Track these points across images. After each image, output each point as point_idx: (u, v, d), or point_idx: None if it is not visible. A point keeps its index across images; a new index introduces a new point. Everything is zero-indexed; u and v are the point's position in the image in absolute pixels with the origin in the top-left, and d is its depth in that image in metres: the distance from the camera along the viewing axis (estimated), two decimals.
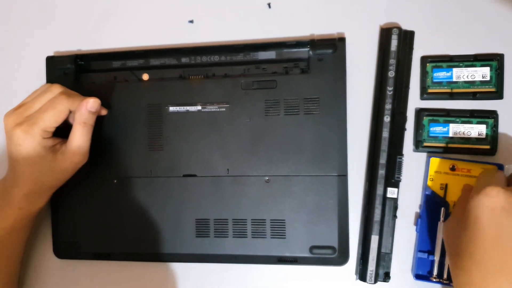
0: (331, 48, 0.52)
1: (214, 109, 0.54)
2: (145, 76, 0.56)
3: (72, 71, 0.57)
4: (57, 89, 0.52)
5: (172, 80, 0.55)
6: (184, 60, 0.56)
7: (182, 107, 0.54)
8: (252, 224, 0.52)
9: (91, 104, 0.51)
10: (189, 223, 0.54)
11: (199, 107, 0.54)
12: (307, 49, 0.53)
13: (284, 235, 0.52)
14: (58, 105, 0.50)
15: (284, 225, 0.52)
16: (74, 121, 0.51)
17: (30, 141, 0.49)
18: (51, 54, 0.60)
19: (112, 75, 0.56)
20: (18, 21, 0.62)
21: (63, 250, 0.57)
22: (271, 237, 0.52)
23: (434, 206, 0.51)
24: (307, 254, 0.51)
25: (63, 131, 0.52)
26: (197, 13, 0.58)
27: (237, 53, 0.55)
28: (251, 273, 0.55)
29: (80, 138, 0.51)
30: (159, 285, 0.56)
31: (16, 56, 0.61)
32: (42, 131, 0.50)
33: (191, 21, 0.58)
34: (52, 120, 0.50)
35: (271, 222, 0.52)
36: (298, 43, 0.53)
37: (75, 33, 0.60)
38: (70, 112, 0.51)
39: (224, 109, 0.53)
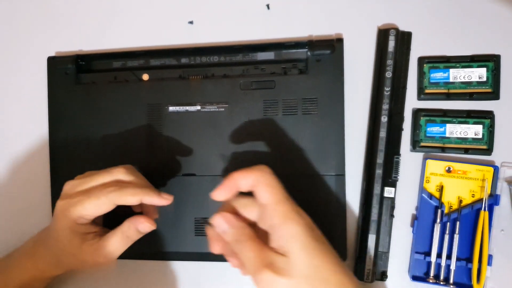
0: (329, 49, 0.53)
1: (213, 109, 0.54)
2: (145, 76, 0.56)
3: (73, 71, 0.57)
4: (119, 174, 0.48)
5: (172, 80, 0.56)
6: (184, 60, 0.56)
7: (181, 107, 0.54)
8: None
9: (143, 227, 0.48)
10: (188, 222, 0.54)
11: (198, 107, 0.54)
12: (305, 49, 0.53)
13: None
14: (103, 197, 0.46)
15: None
16: (121, 227, 0.48)
17: (64, 220, 0.47)
18: (53, 54, 0.60)
19: (113, 75, 0.57)
20: (20, 21, 0.62)
21: None
22: None
23: (430, 208, 0.51)
24: None
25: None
26: (197, 14, 0.58)
27: (236, 54, 0.55)
28: None
29: (116, 247, 0.48)
30: (159, 283, 0.56)
31: (17, 56, 0.62)
32: (78, 217, 0.47)
33: (191, 22, 0.58)
34: (92, 210, 0.46)
35: None
36: (296, 44, 0.54)
37: (76, 33, 0.61)
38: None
39: (223, 109, 0.54)
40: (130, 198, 0.46)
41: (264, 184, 0.41)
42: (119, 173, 0.48)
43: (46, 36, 0.61)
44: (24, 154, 0.60)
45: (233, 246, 0.41)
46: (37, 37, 0.61)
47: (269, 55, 0.55)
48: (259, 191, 0.41)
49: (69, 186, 0.48)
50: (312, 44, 0.53)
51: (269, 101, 0.53)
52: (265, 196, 0.41)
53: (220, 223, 0.42)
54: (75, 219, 0.47)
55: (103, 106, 0.56)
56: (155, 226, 0.48)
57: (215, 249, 0.44)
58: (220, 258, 0.53)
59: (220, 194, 0.43)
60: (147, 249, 0.55)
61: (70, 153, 0.56)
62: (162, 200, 0.47)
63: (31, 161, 0.60)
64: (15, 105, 0.61)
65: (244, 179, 0.42)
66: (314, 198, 0.51)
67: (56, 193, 0.55)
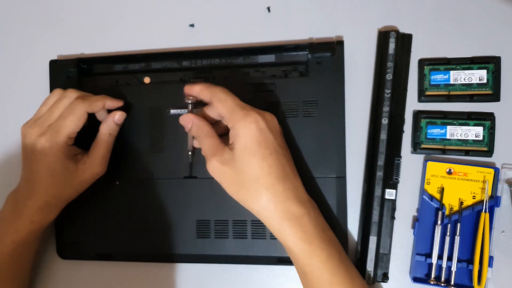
0: (330, 51, 0.53)
1: None
2: (147, 79, 0.57)
3: (75, 75, 0.58)
4: (72, 93, 0.52)
5: (173, 83, 0.56)
6: (185, 63, 0.56)
7: (183, 109, 0.55)
8: (252, 225, 0.53)
9: (118, 117, 0.53)
10: (190, 224, 0.54)
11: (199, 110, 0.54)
12: (306, 52, 0.53)
13: None
14: (77, 109, 0.51)
15: None
16: (99, 132, 0.53)
17: (55, 150, 0.50)
18: (55, 57, 0.61)
19: (114, 78, 0.57)
20: (22, 25, 0.63)
21: (67, 251, 0.58)
22: (271, 238, 0.52)
23: (431, 210, 0.51)
24: None
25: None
26: (198, 17, 0.58)
27: (237, 57, 0.55)
28: (251, 273, 0.55)
29: (104, 149, 0.53)
30: (161, 285, 0.57)
31: (20, 60, 0.62)
32: (67, 138, 0.50)
33: (192, 25, 0.58)
34: (74, 125, 0.51)
35: None
36: (297, 47, 0.54)
37: (78, 36, 0.61)
38: (88, 114, 0.52)
39: None
40: (97, 103, 0.52)
41: (217, 100, 0.47)
42: (74, 92, 0.53)
43: (48, 39, 0.62)
44: None
45: (196, 139, 0.50)
46: (39, 40, 0.62)
47: (269, 58, 0.55)
48: (215, 107, 0.48)
49: (38, 125, 0.51)
50: (312, 46, 0.53)
51: (270, 104, 0.53)
52: (219, 110, 0.47)
53: (185, 122, 0.49)
54: (65, 142, 0.51)
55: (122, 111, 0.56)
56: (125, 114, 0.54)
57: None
58: (221, 260, 0.54)
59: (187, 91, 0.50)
60: (149, 251, 0.55)
61: None
62: (117, 101, 0.54)
63: None
64: (17, 108, 0.61)
65: (202, 95, 0.49)
66: (315, 200, 0.51)
67: None
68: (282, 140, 0.49)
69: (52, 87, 0.58)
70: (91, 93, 0.54)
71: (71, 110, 0.51)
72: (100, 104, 0.52)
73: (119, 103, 0.54)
